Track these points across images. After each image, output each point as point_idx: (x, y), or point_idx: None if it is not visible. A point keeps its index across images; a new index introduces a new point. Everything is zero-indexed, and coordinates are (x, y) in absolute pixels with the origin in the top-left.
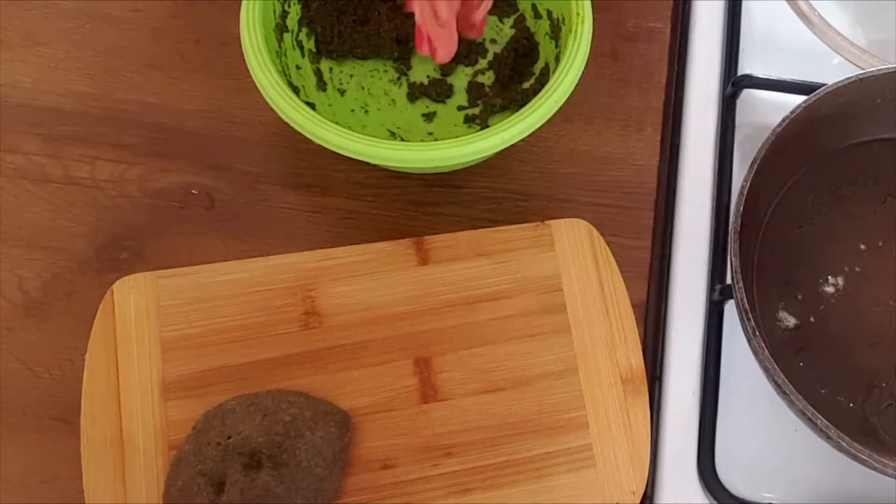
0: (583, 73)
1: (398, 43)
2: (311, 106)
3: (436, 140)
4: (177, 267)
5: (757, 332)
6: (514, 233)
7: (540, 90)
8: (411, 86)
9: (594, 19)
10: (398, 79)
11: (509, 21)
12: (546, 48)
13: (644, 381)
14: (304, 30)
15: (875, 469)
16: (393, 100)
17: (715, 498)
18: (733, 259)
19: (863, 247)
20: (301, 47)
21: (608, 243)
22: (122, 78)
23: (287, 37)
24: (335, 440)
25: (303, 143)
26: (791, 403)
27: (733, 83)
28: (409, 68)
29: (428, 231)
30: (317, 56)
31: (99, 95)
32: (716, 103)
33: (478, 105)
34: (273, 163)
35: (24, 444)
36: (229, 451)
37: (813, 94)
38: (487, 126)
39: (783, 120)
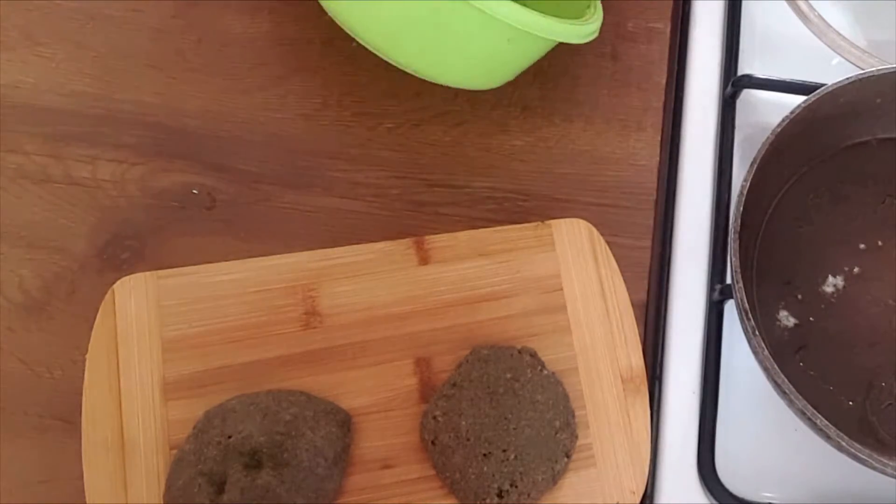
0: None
1: None
2: None
3: None
4: (178, 267)
5: (757, 332)
6: (514, 233)
7: None
8: None
9: None
10: None
11: None
12: None
13: (644, 381)
14: None
15: (875, 469)
16: None
17: (715, 498)
18: (733, 259)
19: (863, 247)
20: None
21: (608, 243)
22: (122, 78)
23: None
24: (336, 440)
25: (302, 143)
26: (791, 403)
27: (733, 83)
28: None
29: (428, 231)
30: None
31: (100, 95)
32: (716, 103)
33: None
34: (273, 163)
35: (24, 444)
36: (230, 451)
37: (813, 94)
38: None
39: (783, 120)
